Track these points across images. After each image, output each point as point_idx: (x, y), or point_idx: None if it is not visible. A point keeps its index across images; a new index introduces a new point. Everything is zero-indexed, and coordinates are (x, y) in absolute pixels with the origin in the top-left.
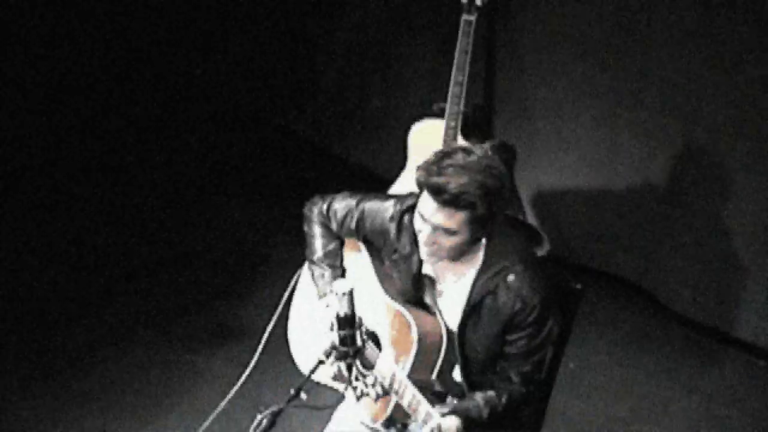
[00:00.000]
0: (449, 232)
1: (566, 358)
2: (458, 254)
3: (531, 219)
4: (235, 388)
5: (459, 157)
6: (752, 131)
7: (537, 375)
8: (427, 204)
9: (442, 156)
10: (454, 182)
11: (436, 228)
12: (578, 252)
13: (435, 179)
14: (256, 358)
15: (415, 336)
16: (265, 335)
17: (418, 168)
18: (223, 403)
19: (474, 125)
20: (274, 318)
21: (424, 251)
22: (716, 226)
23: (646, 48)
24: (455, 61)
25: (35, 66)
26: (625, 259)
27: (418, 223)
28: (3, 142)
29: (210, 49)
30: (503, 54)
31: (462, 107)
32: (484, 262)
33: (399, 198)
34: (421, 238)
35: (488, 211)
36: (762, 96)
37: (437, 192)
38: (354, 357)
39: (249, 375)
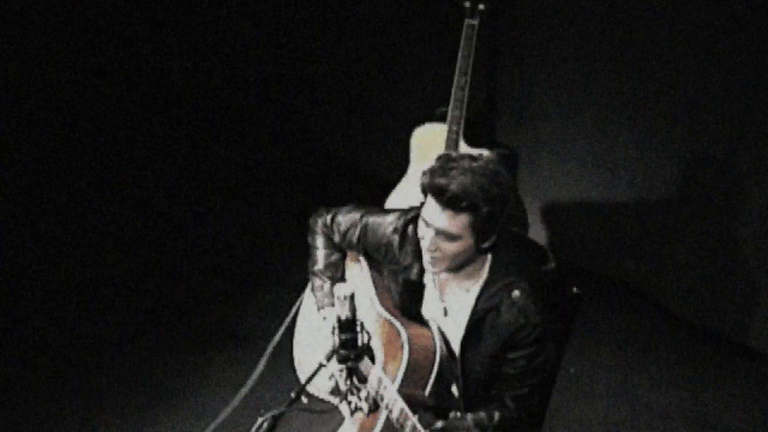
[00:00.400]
0: (451, 236)
1: (567, 363)
2: (461, 263)
3: (533, 224)
4: (243, 391)
5: (465, 162)
6: (757, 135)
7: (532, 400)
8: (430, 207)
9: (448, 160)
10: (456, 183)
11: (438, 232)
12: (582, 256)
13: (438, 180)
14: (261, 365)
15: (406, 350)
16: (271, 345)
17: (424, 172)
18: (229, 409)
19: (476, 130)
20: (282, 327)
21: (426, 258)
22: (721, 231)
23: (649, 53)
24: (458, 66)
25: (39, 67)
26: (629, 264)
27: (421, 229)
28: (14, 142)
29: (214, 52)
30: (506, 58)
31: (464, 111)
32: (490, 277)
33: (403, 211)
34: (424, 244)
35: (491, 218)
36: (765, 99)
37: (439, 193)
38: (355, 360)
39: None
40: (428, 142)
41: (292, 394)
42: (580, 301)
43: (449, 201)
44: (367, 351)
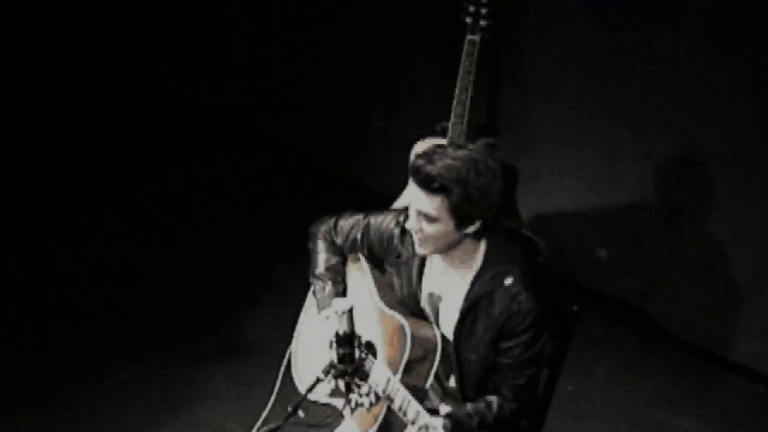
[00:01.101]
0: (430, 218)
1: (564, 380)
2: (446, 246)
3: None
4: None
5: (449, 150)
6: (755, 153)
7: (529, 392)
8: (411, 187)
9: (437, 147)
10: (432, 166)
11: (419, 213)
12: (579, 273)
13: (418, 161)
14: (278, 383)
15: (408, 344)
16: (285, 361)
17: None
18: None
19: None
20: (292, 345)
21: (414, 239)
22: (716, 250)
23: (647, 69)
24: (458, 81)
25: (37, 67)
26: (626, 282)
27: (409, 210)
28: (11, 153)
29: (213, 66)
30: (507, 74)
31: (465, 127)
32: (483, 264)
33: (405, 209)
34: (408, 224)
35: (467, 202)
36: (764, 117)
37: (415, 172)
38: (352, 375)
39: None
40: None
41: (290, 408)
42: (577, 317)
43: (422, 181)
44: (369, 348)
